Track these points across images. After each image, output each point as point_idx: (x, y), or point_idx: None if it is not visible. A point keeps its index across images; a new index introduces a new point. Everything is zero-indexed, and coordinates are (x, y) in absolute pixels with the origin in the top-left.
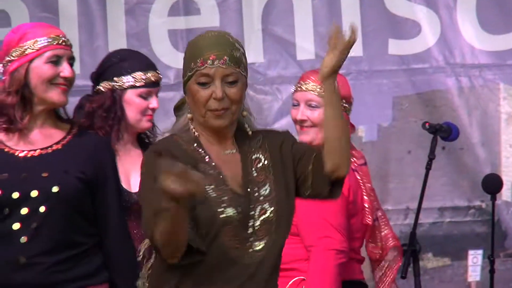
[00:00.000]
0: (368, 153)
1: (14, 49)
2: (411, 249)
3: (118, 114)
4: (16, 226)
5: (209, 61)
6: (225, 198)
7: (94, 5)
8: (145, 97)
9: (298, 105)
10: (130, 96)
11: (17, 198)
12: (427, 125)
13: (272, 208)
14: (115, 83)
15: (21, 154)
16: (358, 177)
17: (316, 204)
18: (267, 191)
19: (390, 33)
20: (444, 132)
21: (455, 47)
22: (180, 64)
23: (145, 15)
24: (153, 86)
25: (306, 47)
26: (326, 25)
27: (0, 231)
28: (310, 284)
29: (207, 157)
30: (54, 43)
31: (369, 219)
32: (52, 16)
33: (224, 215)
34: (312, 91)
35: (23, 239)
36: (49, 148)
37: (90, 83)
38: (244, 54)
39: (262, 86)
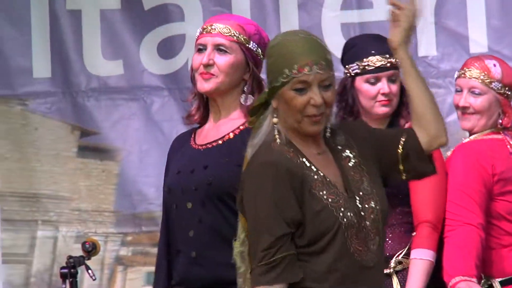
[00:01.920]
0: None
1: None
2: None
3: (349, 102)
4: (184, 221)
5: (307, 68)
6: (341, 201)
7: None
8: (373, 82)
9: (461, 91)
10: (359, 83)
11: (182, 192)
12: None
13: (378, 207)
14: (346, 71)
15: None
16: None
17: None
18: (368, 189)
19: None
20: None
21: None
22: None
23: (318, 9)
24: (380, 71)
25: (479, 40)
26: (499, 18)
27: (175, 229)
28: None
29: (307, 162)
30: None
31: None
32: (225, 10)
33: (346, 220)
34: (476, 78)
35: (191, 233)
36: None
37: None
38: (331, 54)
39: (435, 79)
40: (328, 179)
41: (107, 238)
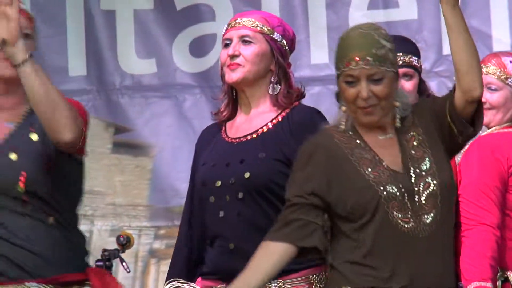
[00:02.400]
0: None
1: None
2: None
3: None
4: (221, 213)
5: (353, 63)
6: (384, 177)
7: None
8: None
9: None
10: None
11: (219, 186)
12: None
13: (435, 182)
14: None
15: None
16: None
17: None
18: (428, 165)
19: None
20: None
21: None
22: None
23: (345, 8)
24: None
25: (501, 38)
26: None
27: (211, 221)
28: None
29: (362, 143)
30: None
31: None
32: (255, 10)
33: (385, 193)
34: (492, 74)
35: (229, 225)
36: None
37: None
38: (391, 49)
39: None
40: (377, 158)
41: (141, 232)
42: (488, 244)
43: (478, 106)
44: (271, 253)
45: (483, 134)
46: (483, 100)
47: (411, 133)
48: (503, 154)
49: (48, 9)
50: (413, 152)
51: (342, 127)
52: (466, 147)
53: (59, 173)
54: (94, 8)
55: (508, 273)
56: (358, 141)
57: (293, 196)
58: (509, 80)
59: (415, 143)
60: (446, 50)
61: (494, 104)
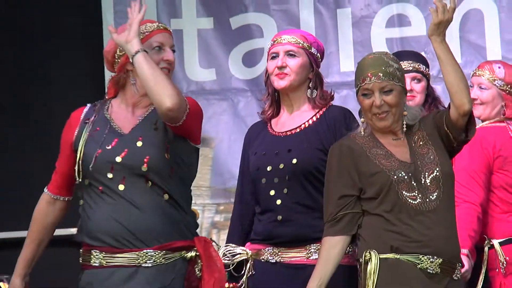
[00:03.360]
0: None
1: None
2: None
3: None
4: (272, 192)
5: (367, 79)
6: (395, 165)
7: (328, 19)
8: None
9: (472, 86)
10: None
11: (270, 170)
12: None
13: (437, 168)
14: None
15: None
16: None
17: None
18: (431, 158)
19: None
20: None
21: None
22: None
23: (367, 26)
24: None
25: (494, 50)
26: (510, 32)
27: (262, 198)
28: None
29: (378, 143)
30: None
31: None
32: (295, 27)
33: (396, 176)
34: (484, 76)
35: (278, 201)
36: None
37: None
38: (398, 68)
39: None
40: (390, 153)
41: (204, 208)
42: (470, 218)
43: (469, 118)
44: (334, 246)
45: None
46: (475, 97)
47: (418, 136)
48: (489, 144)
49: None
50: (419, 149)
51: (362, 133)
52: None
53: (176, 158)
54: None
55: (493, 241)
56: (374, 142)
57: (338, 198)
58: (496, 81)
59: (421, 143)
60: None
61: (483, 100)
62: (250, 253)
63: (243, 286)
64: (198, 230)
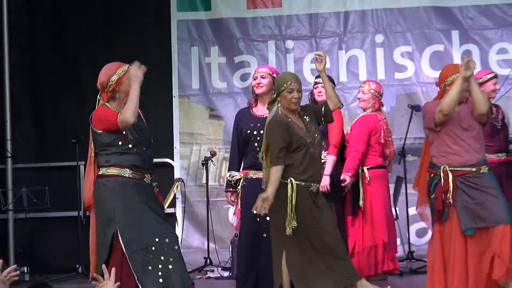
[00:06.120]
0: None
1: None
2: None
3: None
4: (255, 143)
5: (290, 83)
6: (305, 134)
7: (282, 59)
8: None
9: (359, 92)
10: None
11: (256, 134)
12: None
13: (318, 136)
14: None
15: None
16: (384, 125)
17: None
18: (315, 130)
19: None
20: None
21: None
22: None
23: (301, 63)
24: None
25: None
26: None
27: (250, 146)
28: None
29: (291, 120)
30: None
31: (382, 140)
32: (265, 63)
33: (309, 140)
34: (367, 88)
35: (258, 148)
36: None
37: None
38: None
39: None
40: (300, 126)
41: (219, 149)
42: (354, 159)
43: (326, 107)
44: (279, 171)
45: (361, 115)
46: (360, 97)
47: (305, 117)
48: (370, 124)
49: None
50: (308, 124)
51: (280, 113)
52: (354, 121)
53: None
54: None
55: (364, 168)
56: (289, 120)
57: (280, 149)
58: (371, 90)
59: (307, 120)
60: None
61: (364, 100)
62: (242, 175)
63: (238, 190)
64: (216, 159)
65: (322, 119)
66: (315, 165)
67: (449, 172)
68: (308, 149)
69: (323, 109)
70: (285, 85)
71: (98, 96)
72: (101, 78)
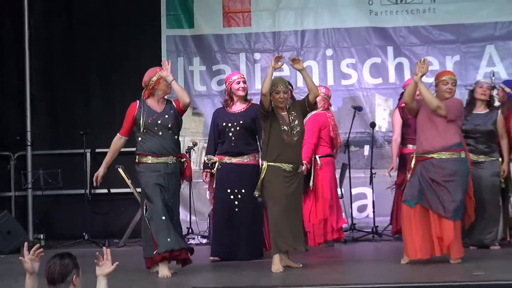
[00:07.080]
0: None
1: None
2: None
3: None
4: (230, 134)
5: (279, 85)
6: (285, 124)
7: (250, 68)
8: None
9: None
10: None
11: (230, 125)
12: None
13: (299, 128)
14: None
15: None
16: (332, 122)
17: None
18: (298, 122)
19: None
20: None
21: None
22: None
23: (265, 70)
24: None
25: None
26: None
27: (226, 137)
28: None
29: (278, 114)
30: None
31: (331, 134)
32: (238, 71)
33: (285, 129)
34: (322, 93)
35: (233, 138)
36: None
37: None
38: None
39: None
40: (285, 118)
41: (200, 140)
42: (308, 149)
43: (314, 104)
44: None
45: (314, 112)
46: (318, 99)
47: (292, 112)
48: (320, 120)
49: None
50: (293, 118)
51: (270, 109)
52: (307, 117)
53: (178, 122)
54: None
55: (316, 156)
56: (277, 114)
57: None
58: (321, 93)
59: (294, 114)
60: None
61: (318, 100)
62: (217, 159)
63: (214, 172)
64: (196, 148)
65: (308, 109)
66: (289, 149)
67: (414, 156)
68: (284, 135)
69: (306, 102)
70: (273, 87)
71: (142, 93)
72: (145, 78)
